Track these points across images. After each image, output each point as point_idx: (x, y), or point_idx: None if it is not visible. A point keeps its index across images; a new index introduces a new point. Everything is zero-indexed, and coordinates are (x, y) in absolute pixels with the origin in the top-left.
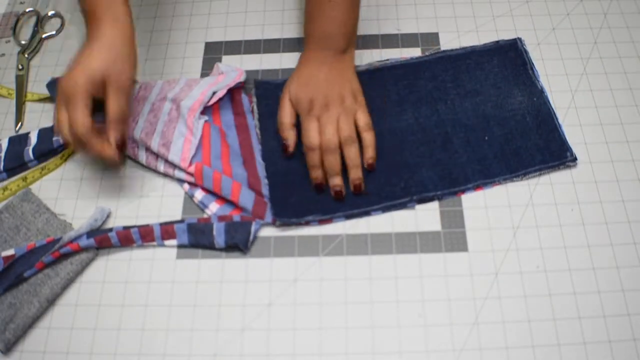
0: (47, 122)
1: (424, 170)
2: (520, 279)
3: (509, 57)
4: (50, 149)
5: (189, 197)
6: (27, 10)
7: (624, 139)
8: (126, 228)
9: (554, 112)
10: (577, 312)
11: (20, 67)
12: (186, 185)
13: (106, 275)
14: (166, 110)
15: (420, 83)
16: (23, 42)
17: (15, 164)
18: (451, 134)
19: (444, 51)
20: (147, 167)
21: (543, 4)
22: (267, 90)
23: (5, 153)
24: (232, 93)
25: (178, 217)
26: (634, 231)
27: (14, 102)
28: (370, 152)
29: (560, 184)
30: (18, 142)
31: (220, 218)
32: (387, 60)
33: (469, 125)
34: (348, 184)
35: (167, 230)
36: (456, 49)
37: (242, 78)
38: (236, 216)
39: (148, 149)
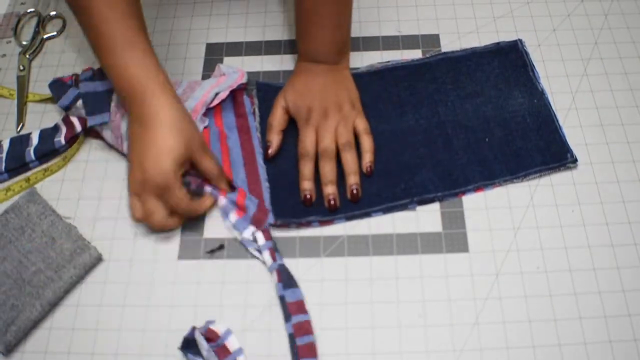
0: (49, 123)
1: (425, 172)
2: (521, 279)
3: (510, 59)
4: (52, 149)
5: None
6: (29, 10)
7: (624, 139)
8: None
9: (555, 113)
10: (578, 312)
11: (21, 67)
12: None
13: (108, 275)
14: None
15: (421, 85)
16: (24, 43)
17: (17, 164)
18: (452, 136)
19: (444, 53)
20: None
21: (544, 5)
22: (269, 93)
23: (7, 153)
24: (235, 94)
25: None
26: (634, 232)
27: (15, 102)
28: (368, 157)
29: (561, 185)
30: (19, 142)
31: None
32: (388, 62)
33: (469, 127)
34: (343, 193)
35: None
36: (457, 51)
37: (243, 79)
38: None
39: None
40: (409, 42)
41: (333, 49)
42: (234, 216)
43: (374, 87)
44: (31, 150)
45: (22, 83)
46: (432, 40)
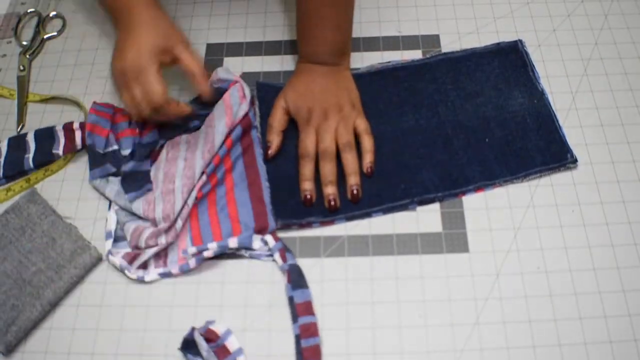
0: (48, 123)
1: (425, 172)
2: (521, 279)
3: (510, 59)
4: (50, 160)
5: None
6: (29, 11)
7: (624, 139)
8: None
9: (555, 114)
10: (578, 312)
11: (21, 67)
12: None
13: (108, 275)
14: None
15: (421, 85)
16: (24, 43)
17: (15, 171)
18: (452, 136)
19: (444, 53)
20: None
21: (544, 6)
22: (269, 93)
23: (5, 159)
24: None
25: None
26: (634, 232)
27: (15, 102)
28: (369, 157)
29: (561, 185)
30: (17, 147)
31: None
32: (388, 62)
33: (469, 127)
34: (343, 193)
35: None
36: (457, 51)
37: (247, 94)
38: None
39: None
40: (409, 42)
41: (334, 49)
42: (233, 241)
43: (374, 88)
44: (30, 158)
45: (22, 83)
46: (432, 40)
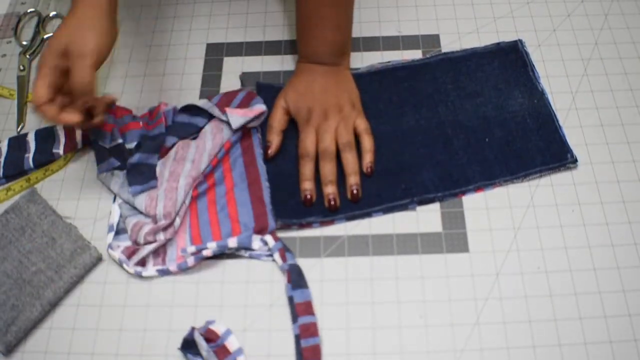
0: (49, 123)
1: (425, 172)
2: (521, 279)
3: (510, 59)
4: (51, 159)
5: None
6: (29, 10)
7: (624, 139)
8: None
9: (555, 114)
10: (578, 312)
11: (21, 67)
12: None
13: (108, 275)
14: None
15: (421, 85)
16: (24, 43)
17: (15, 171)
18: (452, 136)
19: (444, 53)
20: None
21: (544, 5)
22: (269, 93)
23: (5, 159)
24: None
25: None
26: (634, 232)
27: (15, 102)
28: (369, 157)
29: (561, 185)
30: (17, 147)
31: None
32: (388, 62)
33: (469, 127)
34: (343, 193)
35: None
36: (457, 51)
37: (260, 119)
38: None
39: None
40: (409, 42)
41: (333, 49)
42: (233, 240)
43: (374, 87)
44: (30, 158)
45: (22, 83)
46: (432, 40)
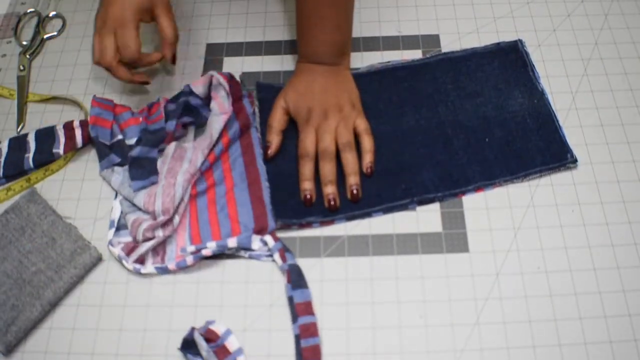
0: (48, 123)
1: (425, 172)
2: (521, 279)
3: (510, 59)
4: (51, 159)
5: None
6: (29, 10)
7: (624, 139)
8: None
9: (555, 114)
10: (578, 312)
11: (21, 67)
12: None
13: (108, 275)
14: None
15: (421, 85)
16: (24, 43)
17: (15, 171)
18: (452, 136)
19: (444, 53)
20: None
21: (544, 5)
22: (269, 93)
23: (5, 159)
24: (233, 101)
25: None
26: (634, 232)
27: (15, 102)
28: (369, 157)
29: (561, 185)
30: (17, 147)
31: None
32: (388, 62)
33: (469, 127)
34: (343, 193)
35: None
36: (457, 51)
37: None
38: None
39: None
40: (409, 42)
41: (333, 49)
42: (232, 241)
43: (374, 87)
44: (30, 158)
45: (22, 83)
46: (432, 40)
